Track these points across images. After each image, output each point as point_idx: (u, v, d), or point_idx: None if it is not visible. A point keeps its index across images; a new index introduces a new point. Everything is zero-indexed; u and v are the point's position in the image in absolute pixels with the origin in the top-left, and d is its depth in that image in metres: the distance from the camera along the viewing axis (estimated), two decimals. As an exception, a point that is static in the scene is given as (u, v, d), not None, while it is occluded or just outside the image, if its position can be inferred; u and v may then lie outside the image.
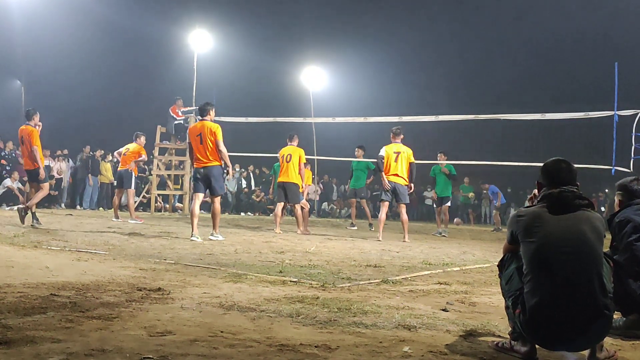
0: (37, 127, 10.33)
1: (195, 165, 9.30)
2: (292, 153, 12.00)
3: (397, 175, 10.82)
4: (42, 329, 3.08)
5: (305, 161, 12.33)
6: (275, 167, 16.32)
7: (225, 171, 9.30)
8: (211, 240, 8.90)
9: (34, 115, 10.34)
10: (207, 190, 9.31)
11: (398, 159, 10.81)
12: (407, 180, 10.97)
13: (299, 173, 11.88)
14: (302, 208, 12.25)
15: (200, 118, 9.38)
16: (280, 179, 12.07)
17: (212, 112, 9.37)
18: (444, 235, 13.64)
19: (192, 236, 8.82)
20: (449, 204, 14.66)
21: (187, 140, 9.31)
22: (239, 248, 7.91)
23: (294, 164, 11.89)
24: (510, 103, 22.34)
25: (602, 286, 2.97)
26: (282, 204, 12.14)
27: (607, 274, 3.06)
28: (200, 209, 9.79)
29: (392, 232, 11.11)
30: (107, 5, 24.35)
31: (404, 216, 11.10)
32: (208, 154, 9.02)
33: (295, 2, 31.04)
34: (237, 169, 23.09)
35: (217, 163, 9.09)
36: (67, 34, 24.01)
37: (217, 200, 9.29)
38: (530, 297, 3.00)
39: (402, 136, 11.07)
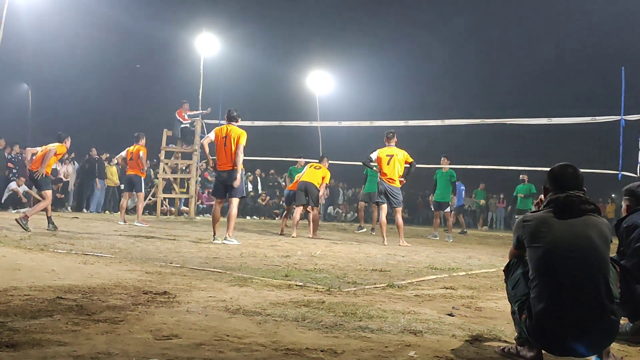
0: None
1: (217, 167, 9.51)
2: (322, 169, 12.28)
3: (390, 179, 10.83)
4: (48, 332, 3.09)
5: (328, 182, 12.72)
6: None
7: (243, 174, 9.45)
8: (225, 244, 8.94)
9: (66, 139, 10.88)
10: (227, 194, 9.51)
11: (390, 162, 10.84)
12: (401, 181, 10.96)
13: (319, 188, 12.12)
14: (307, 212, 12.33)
15: (227, 122, 9.56)
16: (303, 179, 12.15)
17: (239, 118, 9.66)
18: (439, 239, 13.82)
19: (214, 239, 9.09)
20: (448, 209, 14.63)
21: (211, 136, 9.51)
22: (244, 252, 7.91)
23: (318, 176, 12.11)
24: (516, 108, 22.35)
25: (609, 291, 2.96)
26: (301, 207, 12.16)
27: (614, 280, 3.05)
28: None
29: (397, 236, 11.07)
30: (114, 9, 24.45)
31: (399, 220, 11.07)
32: (230, 158, 9.27)
33: (302, 6, 31.11)
34: (243, 173, 23.13)
35: (237, 167, 9.35)
36: (74, 37, 24.14)
37: (235, 203, 9.44)
38: (536, 302, 2.99)
39: (395, 140, 11.10)
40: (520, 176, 17.16)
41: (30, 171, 10.61)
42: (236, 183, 9.31)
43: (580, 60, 28.65)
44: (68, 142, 11.02)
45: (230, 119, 9.55)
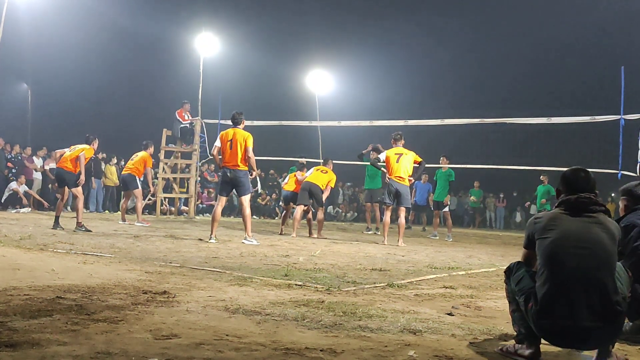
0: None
1: (223, 164, 9.66)
2: (329, 173, 12.35)
3: (399, 177, 10.81)
4: (48, 331, 3.09)
5: (333, 186, 12.77)
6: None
7: (249, 173, 9.69)
8: (244, 244, 9.19)
9: (94, 141, 11.37)
10: (233, 191, 9.98)
11: (400, 160, 10.81)
12: (409, 179, 10.96)
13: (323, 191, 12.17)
14: (308, 212, 12.36)
15: (233, 126, 9.75)
16: (308, 179, 12.15)
17: (244, 121, 9.89)
18: (438, 238, 13.93)
19: (210, 239, 9.27)
20: (447, 208, 14.60)
21: (217, 144, 9.78)
22: (244, 251, 7.91)
23: (324, 179, 12.17)
24: (516, 107, 22.32)
25: (614, 285, 3.03)
26: (302, 207, 12.14)
27: (623, 280, 3.14)
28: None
29: (397, 236, 11.05)
30: (114, 8, 24.43)
31: (402, 220, 11.03)
32: (237, 159, 9.44)
33: (302, 6, 31.09)
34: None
35: (244, 168, 9.53)
36: (73, 37, 24.12)
37: (245, 201, 9.66)
38: (541, 287, 3.06)
39: (402, 141, 11.09)
40: (541, 177, 16.87)
41: (57, 169, 11.08)
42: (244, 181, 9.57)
43: (579, 59, 28.64)
44: (96, 144, 11.50)
45: (234, 122, 9.74)
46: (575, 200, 3.19)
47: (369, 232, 14.73)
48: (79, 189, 10.88)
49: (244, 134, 9.53)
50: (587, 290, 2.96)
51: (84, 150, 10.84)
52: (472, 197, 24.34)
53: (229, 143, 9.50)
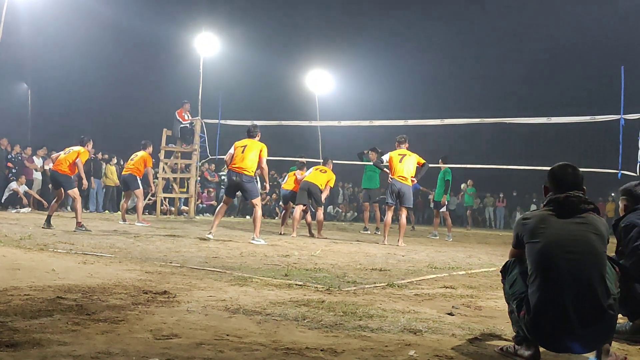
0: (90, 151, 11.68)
1: (229, 167, 9.95)
2: (328, 172, 12.50)
3: (402, 177, 10.81)
4: (48, 331, 3.09)
5: (332, 186, 12.89)
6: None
7: (262, 185, 9.94)
8: (252, 243, 9.32)
9: (88, 143, 11.40)
10: (237, 194, 10.39)
11: (403, 160, 10.83)
12: (412, 180, 10.98)
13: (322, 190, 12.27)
14: (307, 212, 12.36)
15: (248, 137, 10.09)
16: (307, 179, 12.21)
17: (259, 134, 10.22)
18: (438, 238, 14.02)
19: (209, 233, 9.57)
20: (444, 208, 14.59)
21: (231, 151, 10.06)
22: (244, 251, 7.91)
23: (323, 179, 12.29)
24: (516, 107, 22.34)
25: (606, 287, 3.00)
26: (302, 206, 12.17)
27: (612, 278, 3.09)
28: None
29: (397, 236, 11.05)
30: (114, 8, 24.45)
31: (403, 220, 11.02)
32: (245, 163, 9.69)
33: (302, 6, 31.09)
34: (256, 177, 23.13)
35: (250, 173, 9.77)
36: (73, 37, 24.13)
37: (257, 203, 9.95)
38: (533, 295, 3.04)
39: (406, 144, 11.12)
40: None
41: (52, 171, 11.05)
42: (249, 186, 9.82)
43: (579, 59, 28.63)
44: (90, 145, 11.65)
45: (250, 136, 10.07)
46: (564, 200, 3.14)
47: (366, 232, 14.72)
48: (76, 190, 10.88)
49: (260, 144, 9.90)
50: (579, 296, 2.94)
51: (79, 155, 10.81)
52: (462, 194, 24.22)
53: (242, 148, 9.81)
